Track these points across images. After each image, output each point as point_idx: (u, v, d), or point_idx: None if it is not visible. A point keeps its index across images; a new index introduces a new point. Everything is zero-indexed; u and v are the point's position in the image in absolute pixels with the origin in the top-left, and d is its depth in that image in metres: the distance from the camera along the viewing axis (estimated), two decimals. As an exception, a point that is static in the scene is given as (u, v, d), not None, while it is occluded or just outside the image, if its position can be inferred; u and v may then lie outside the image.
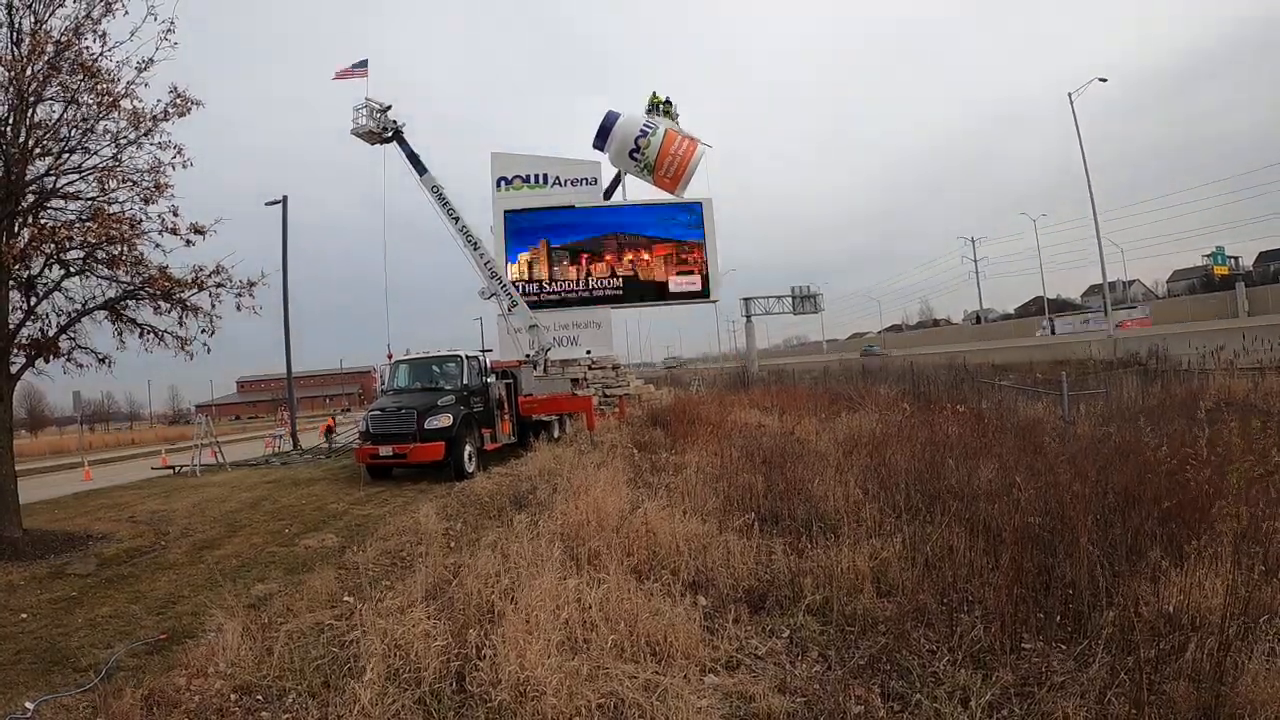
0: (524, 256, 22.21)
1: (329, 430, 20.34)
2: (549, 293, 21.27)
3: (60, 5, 7.61)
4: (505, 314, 16.84)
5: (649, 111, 19.93)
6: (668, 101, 20.01)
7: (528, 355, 15.97)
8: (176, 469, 16.35)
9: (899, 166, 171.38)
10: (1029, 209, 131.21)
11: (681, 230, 22.68)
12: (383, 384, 14.34)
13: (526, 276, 21.48)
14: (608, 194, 20.89)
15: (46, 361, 8.00)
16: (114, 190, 8.02)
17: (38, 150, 7.67)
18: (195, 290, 8.18)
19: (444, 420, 11.74)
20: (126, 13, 7.81)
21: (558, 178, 21.81)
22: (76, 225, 7.67)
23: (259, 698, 3.58)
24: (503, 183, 22.49)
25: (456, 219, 16.28)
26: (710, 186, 20.14)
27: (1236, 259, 49.27)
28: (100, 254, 7.76)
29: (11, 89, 7.44)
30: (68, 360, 8.15)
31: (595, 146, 20.43)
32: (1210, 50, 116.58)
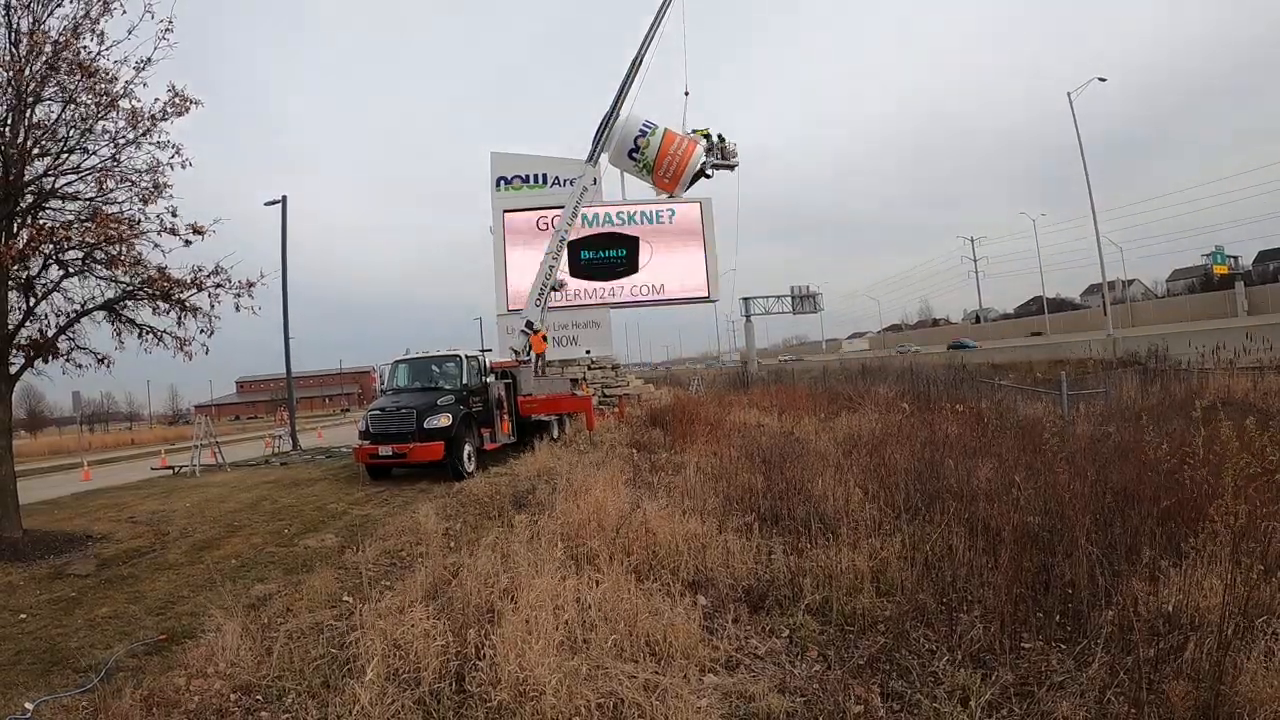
0: (523, 256, 22.22)
1: None
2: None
3: (58, 5, 7.61)
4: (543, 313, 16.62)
5: (706, 150, 19.43)
6: (720, 137, 19.39)
7: (515, 353, 15.93)
8: (176, 469, 16.34)
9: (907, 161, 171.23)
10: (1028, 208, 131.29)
11: (681, 230, 22.74)
12: (382, 384, 14.34)
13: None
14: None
15: (45, 362, 8.01)
16: (112, 190, 8.02)
17: (36, 150, 7.66)
18: (194, 291, 8.18)
19: (443, 420, 11.73)
20: (124, 12, 7.81)
21: (557, 178, 21.83)
22: (75, 225, 7.66)
23: (258, 698, 3.58)
24: (502, 183, 22.52)
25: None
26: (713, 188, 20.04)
27: (1236, 258, 49.36)
28: (99, 254, 7.76)
29: (10, 89, 7.43)
30: (67, 361, 8.15)
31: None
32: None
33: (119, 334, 8.32)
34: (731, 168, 19.47)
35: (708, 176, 19.05)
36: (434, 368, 13.42)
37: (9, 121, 7.50)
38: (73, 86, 7.63)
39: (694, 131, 18.61)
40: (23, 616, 5.50)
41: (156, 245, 8.15)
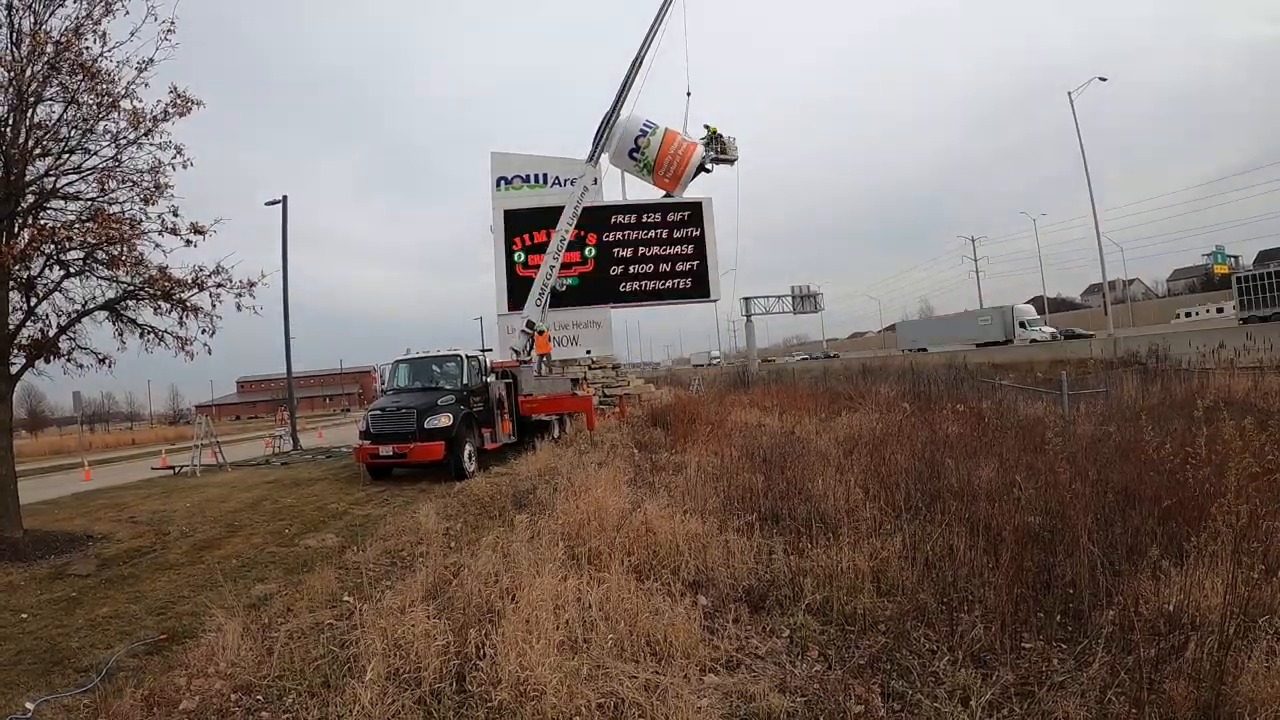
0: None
1: None
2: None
3: (60, 5, 7.62)
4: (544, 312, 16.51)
5: (706, 144, 19.17)
6: (722, 139, 19.04)
7: (515, 352, 15.91)
8: (176, 469, 16.36)
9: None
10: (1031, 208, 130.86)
11: (681, 230, 22.73)
12: (383, 384, 14.35)
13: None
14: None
15: (46, 362, 8.01)
16: (114, 191, 8.03)
17: (37, 151, 7.67)
18: (195, 290, 8.19)
19: (444, 420, 11.74)
20: (127, 13, 7.82)
21: (557, 177, 21.82)
22: (76, 226, 7.67)
23: (259, 698, 3.58)
24: (502, 182, 22.51)
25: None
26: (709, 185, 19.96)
27: (1236, 258, 49.33)
28: (100, 254, 7.77)
29: (11, 89, 7.44)
30: (68, 360, 8.16)
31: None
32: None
33: (120, 334, 8.33)
34: (731, 162, 19.34)
35: (707, 171, 18.98)
36: (434, 367, 13.43)
37: (10, 122, 7.51)
38: (74, 87, 7.64)
39: (706, 128, 18.55)
40: (23, 616, 5.51)
41: (158, 245, 8.17)
